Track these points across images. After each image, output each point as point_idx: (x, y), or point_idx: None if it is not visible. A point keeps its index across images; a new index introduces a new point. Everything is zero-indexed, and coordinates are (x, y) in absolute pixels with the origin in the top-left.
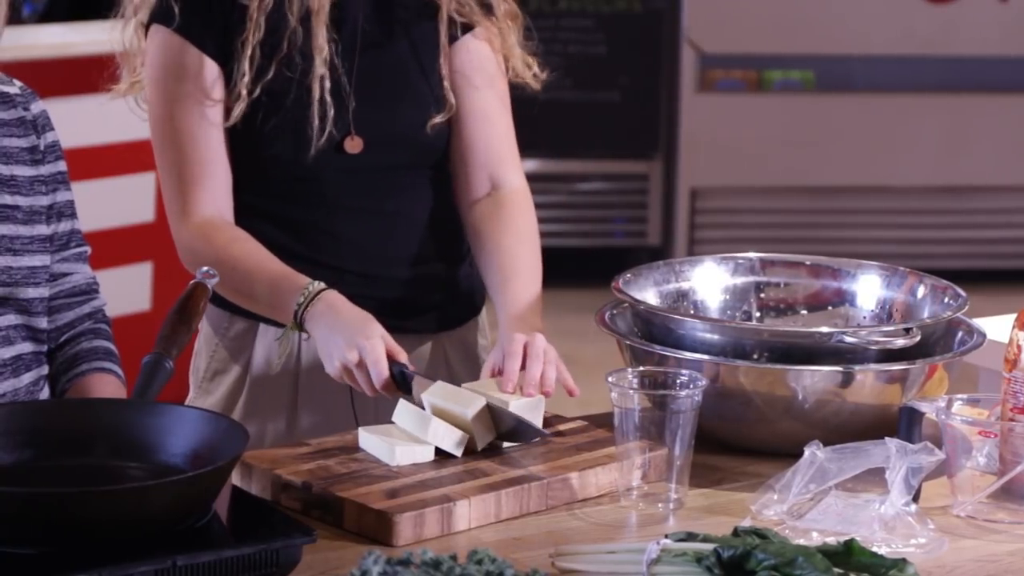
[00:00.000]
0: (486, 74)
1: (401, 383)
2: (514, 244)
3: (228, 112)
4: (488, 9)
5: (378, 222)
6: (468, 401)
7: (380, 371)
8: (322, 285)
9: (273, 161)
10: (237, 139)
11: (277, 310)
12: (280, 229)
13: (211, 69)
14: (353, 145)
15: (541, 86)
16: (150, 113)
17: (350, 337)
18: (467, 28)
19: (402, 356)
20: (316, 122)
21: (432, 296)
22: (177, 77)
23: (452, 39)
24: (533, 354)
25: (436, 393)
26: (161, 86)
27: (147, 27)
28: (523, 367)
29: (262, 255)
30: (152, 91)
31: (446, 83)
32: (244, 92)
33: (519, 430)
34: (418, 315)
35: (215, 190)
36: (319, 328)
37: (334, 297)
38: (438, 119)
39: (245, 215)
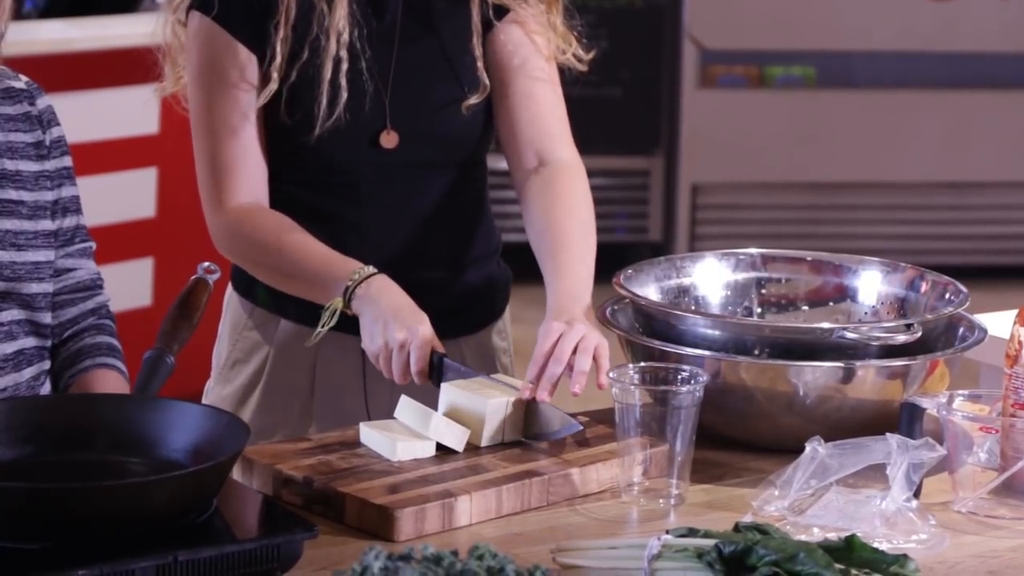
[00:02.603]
0: (523, 56)
1: (437, 371)
2: (561, 219)
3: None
4: None
5: (407, 221)
6: (487, 396)
7: (422, 356)
8: (373, 269)
9: (305, 150)
10: (273, 126)
11: (323, 291)
12: (307, 221)
13: (248, 57)
14: (389, 140)
15: (587, 67)
16: (189, 101)
17: (402, 319)
18: (503, 12)
19: (442, 348)
20: (324, 103)
21: (452, 299)
22: (214, 65)
23: (487, 23)
24: (556, 355)
25: (456, 385)
26: (199, 74)
27: (187, 13)
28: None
29: (307, 237)
30: (190, 79)
31: (479, 63)
32: (276, 75)
33: (562, 428)
34: (438, 319)
35: (251, 178)
36: (369, 307)
37: (387, 281)
38: (473, 100)
39: (276, 206)
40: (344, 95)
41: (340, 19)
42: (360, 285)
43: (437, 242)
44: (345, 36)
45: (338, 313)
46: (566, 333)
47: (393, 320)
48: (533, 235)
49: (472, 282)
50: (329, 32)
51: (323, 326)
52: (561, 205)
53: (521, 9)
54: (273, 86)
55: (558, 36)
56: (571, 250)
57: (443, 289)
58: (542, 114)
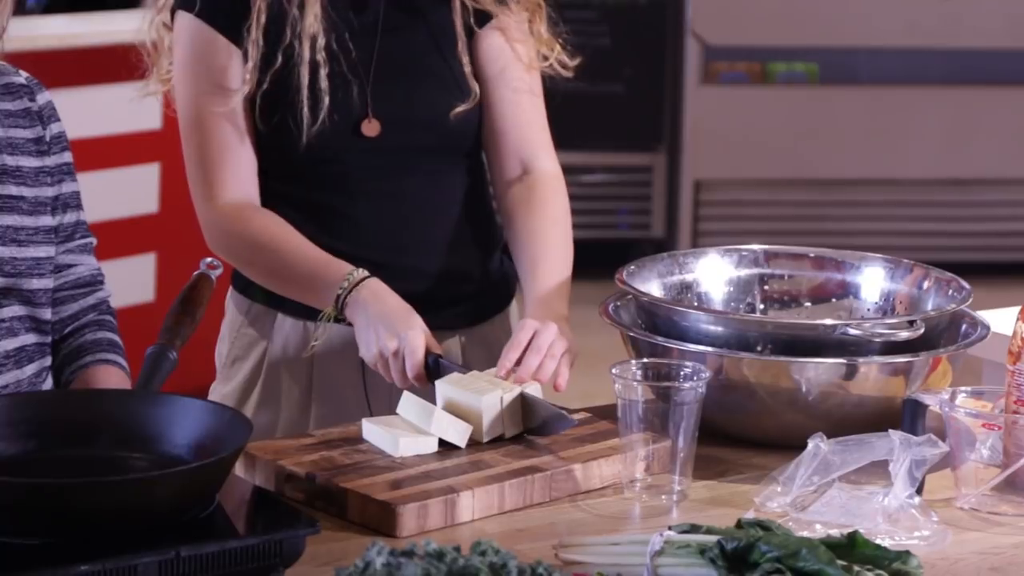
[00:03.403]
0: (507, 63)
1: (434, 373)
2: (543, 228)
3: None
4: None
5: (399, 209)
6: (481, 392)
7: (416, 362)
8: (365, 273)
9: (290, 147)
10: (260, 124)
11: (315, 295)
12: (300, 214)
13: (232, 53)
14: (370, 128)
15: (573, 73)
16: (177, 97)
17: (391, 326)
18: (485, 18)
19: (438, 348)
20: (306, 110)
21: (453, 290)
22: (200, 62)
23: (470, 29)
24: (535, 346)
25: (451, 382)
26: (186, 71)
27: (172, 13)
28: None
29: (300, 239)
30: (178, 76)
31: (467, 69)
32: (248, 77)
33: (552, 421)
34: (437, 310)
35: (240, 173)
36: (360, 315)
37: (377, 285)
38: (462, 107)
39: (268, 200)
40: (326, 99)
41: (311, 24)
42: (351, 292)
43: (432, 231)
44: (321, 40)
45: (331, 321)
46: (541, 330)
47: (383, 327)
48: (514, 244)
49: (472, 273)
50: (302, 37)
51: (317, 340)
52: (542, 216)
53: (504, 16)
54: (246, 88)
55: (541, 44)
56: (550, 260)
57: (441, 279)
58: (525, 124)
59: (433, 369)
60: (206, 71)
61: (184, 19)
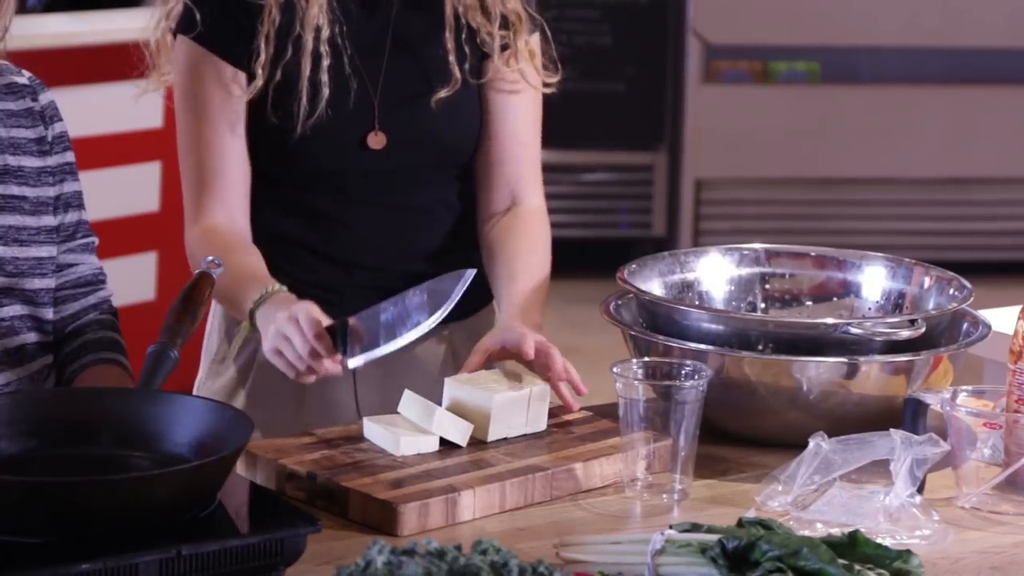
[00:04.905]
0: (516, 91)
1: (340, 336)
2: (525, 251)
3: (249, 104)
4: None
5: (396, 217)
6: (491, 391)
7: (311, 317)
8: (281, 287)
9: (291, 150)
10: (261, 127)
11: (237, 310)
12: (296, 219)
13: (233, 76)
14: (376, 141)
15: (554, 89)
16: (176, 115)
17: (287, 308)
18: (481, 41)
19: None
20: (304, 101)
21: None
22: (198, 85)
23: (468, 56)
24: (555, 353)
25: (458, 381)
26: (183, 94)
27: (176, 22)
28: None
29: (243, 259)
30: (176, 98)
31: (451, 57)
32: (260, 71)
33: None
34: None
35: (228, 199)
36: (263, 317)
37: (288, 296)
38: (443, 93)
39: (264, 204)
40: (325, 92)
41: (315, 15)
42: (261, 305)
43: (425, 236)
44: (326, 32)
45: (245, 332)
46: (540, 340)
47: (278, 311)
48: (494, 265)
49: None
50: (305, 27)
51: (233, 348)
52: (526, 241)
53: (511, 44)
54: (259, 82)
55: (525, 58)
56: (529, 275)
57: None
58: (524, 156)
59: (340, 331)
60: (205, 96)
61: (185, 43)
